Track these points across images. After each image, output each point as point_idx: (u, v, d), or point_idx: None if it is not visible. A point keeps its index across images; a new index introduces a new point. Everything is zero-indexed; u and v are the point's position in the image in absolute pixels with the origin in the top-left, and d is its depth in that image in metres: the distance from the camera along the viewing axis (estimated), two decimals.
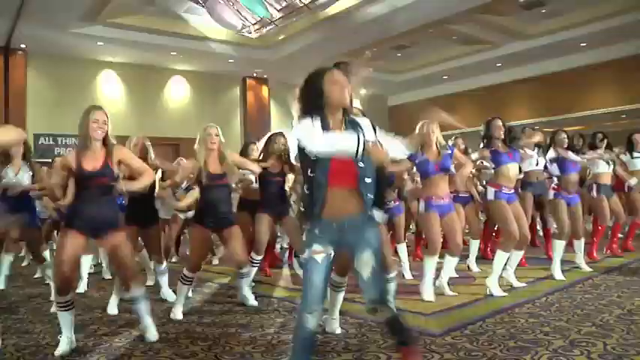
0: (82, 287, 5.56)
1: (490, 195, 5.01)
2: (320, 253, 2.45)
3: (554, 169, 5.91)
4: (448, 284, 4.96)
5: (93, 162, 3.48)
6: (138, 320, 3.79)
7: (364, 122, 2.60)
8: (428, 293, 4.68)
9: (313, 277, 2.44)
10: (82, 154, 3.49)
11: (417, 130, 4.69)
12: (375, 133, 2.61)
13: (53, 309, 4.52)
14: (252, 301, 4.74)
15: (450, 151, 4.81)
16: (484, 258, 6.59)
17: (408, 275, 5.76)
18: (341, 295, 3.77)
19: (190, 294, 5.08)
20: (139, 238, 5.08)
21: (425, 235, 5.25)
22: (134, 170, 3.79)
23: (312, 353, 2.53)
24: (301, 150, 2.47)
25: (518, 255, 5.19)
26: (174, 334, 3.84)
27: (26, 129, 11.55)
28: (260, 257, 5.24)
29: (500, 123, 5.07)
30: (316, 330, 2.48)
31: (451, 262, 4.99)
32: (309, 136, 2.37)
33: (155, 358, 3.30)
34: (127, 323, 4.12)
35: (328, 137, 2.37)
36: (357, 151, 2.28)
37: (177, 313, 4.33)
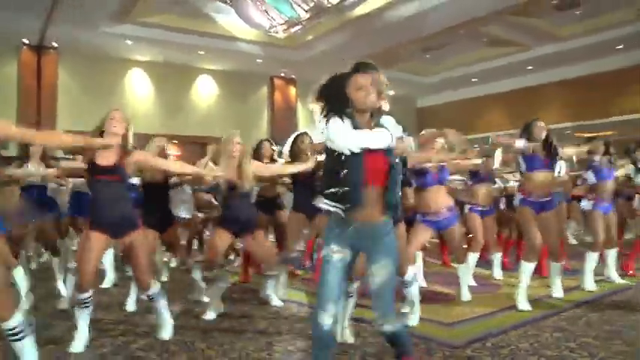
0: (107, 283, 5.62)
1: (516, 201, 4.91)
2: (337, 253, 2.47)
3: (590, 176, 5.64)
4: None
5: (106, 159, 3.44)
6: (155, 319, 3.82)
7: (390, 121, 2.60)
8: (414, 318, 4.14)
9: (329, 277, 2.45)
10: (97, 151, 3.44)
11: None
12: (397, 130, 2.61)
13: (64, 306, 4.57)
14: (275, 301, 4.76)
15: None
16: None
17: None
18: (351, 302, 3.64)
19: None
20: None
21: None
22: (157, 168, 3.81)
23: (329, 354, 2.50)
24: (329, 149, 2.47)
25: (555, 267, 4.99)
26: (190, 337, 3.80)
27: (56, 125, 11.79)
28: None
29: (542, 124, 4.76)
30: (330, 330, 2.44)
31: (463, 270, 4.97)
32: (341, 132, 2.39)
33: None
34: (146, 324, 4.11)
35: (361, 134, 2.41)
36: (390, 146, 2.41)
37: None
